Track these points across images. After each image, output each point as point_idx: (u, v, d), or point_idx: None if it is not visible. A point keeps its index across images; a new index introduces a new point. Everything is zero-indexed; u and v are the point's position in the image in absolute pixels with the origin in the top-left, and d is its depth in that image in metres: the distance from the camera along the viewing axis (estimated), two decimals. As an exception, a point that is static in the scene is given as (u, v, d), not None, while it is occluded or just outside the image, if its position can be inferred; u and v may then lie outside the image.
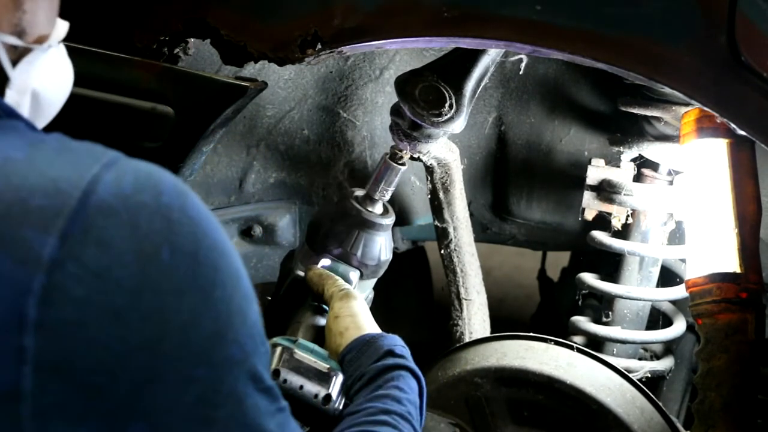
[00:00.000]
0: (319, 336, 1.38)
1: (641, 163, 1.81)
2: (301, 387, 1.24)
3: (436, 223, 1.81)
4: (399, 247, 2.16)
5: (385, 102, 1.89)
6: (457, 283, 1.83)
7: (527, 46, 1.33)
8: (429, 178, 1.78)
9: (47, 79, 1.00)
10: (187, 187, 0.86)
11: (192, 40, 1.53)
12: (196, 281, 0.80)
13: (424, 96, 1.58)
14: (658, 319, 1.93)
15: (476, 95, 1.59)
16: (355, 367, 1.24)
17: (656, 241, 1.81)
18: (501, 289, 3.33)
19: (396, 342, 1.27)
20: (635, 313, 1.85)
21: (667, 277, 1.90)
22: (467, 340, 1.81)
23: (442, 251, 1.83)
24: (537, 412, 1.65)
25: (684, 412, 1.96)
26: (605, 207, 1.81)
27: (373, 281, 1.59)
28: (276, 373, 1.24)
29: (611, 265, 1.88)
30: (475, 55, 1.55)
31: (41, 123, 1.04)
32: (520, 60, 1.71)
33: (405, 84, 1.59)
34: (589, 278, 1.87)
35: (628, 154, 1.80)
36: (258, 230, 1.93)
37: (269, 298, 1.55)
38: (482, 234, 2.07)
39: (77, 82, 1.08)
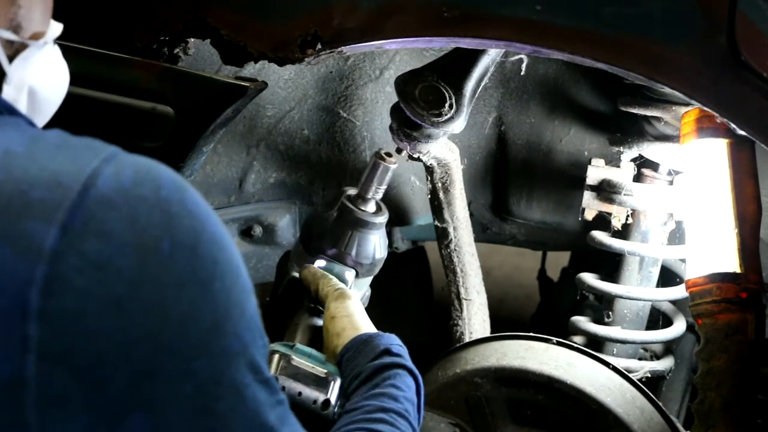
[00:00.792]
0: (317, 337, 1.38)
1: (641, 163, 1.81)
2: (300, 393, 1.24)
3: (436, 223, 1.81)
4: (399, 247, 2.16)
5: (385, 102, 1.89)
6: (457, 283, 1.83)
7: (527, 46, 1.33)
8: (429, 178, 1.78)
9: (43, 77, 1.01)
10: (186, 181, 0.87)
11: (192, 40, 1.53)
12: (195, 274, 0.81)
13: (424, 96, 1.58)
14: (658, 319, 1.93)
15: (476, 95, 1.59)
16: (352, 367, 1.24)
17: (656, 241, 1.81)
18: (501, 289, 3.33)
19: (393, 341, 1.27)
20: (635, 313, 1.85)
21: (667, 277, 1.90)
22: (467, 340, 1.81)
23: (442, 251, 1.83)
24: (537, 412, 1.65)
25: (684, 412, 1.96)
26: (605, 207, 1.80)
27: (369, 279, 1.59)
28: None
29: (611, 265, 1.88)
30: (475, 55, 1.55)
31: (40, 121, 1.05)
32: (520, 60, 1.71)
33: (405, 84, 1.59)
34: (589, 278, 1.87)
35: (628, 154, 1.80)
36: (258, 230, 1.93)
37: (268, 299, 1.55)
38: (482, 234, 2.07)
39: (77, 82, 1.09)
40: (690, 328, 1.90)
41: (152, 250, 0.78)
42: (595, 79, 1.89)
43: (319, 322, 1.41)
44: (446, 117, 1.57)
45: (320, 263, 1.51)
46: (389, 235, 2.12)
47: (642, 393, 1.62)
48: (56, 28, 1.01)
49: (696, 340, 1.79)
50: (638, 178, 1.82)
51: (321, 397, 1.23)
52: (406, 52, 1.88)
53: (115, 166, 0.81)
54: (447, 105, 1.57)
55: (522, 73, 1.84)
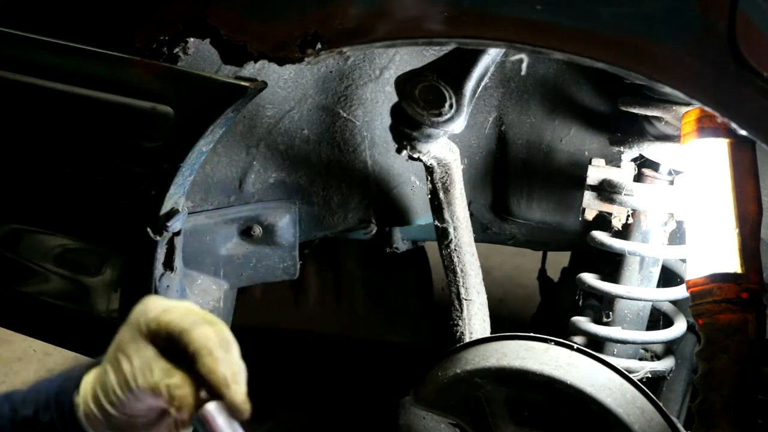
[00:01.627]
0: None
1: (642, 163, 1.81)
2: None
3: (436, 223, 1.81)
4: (399, 247, 2.16)
5: (385, 102, 1.89)
6: (457, 283, 1.83)
7: (527, 46, 1.33)
8: (429, 178, 1.77)
9: None
10: None
11: (191, 39, 1.53)
12: None
13: (424, 96, 1.58)
14: (658, 319, 1.92)
15: (476, 95, 1.59)
16: None
17: (657, 241, 1.81)
18: (501, 289, 3.33)
19: None
20: (636, 313, 1.85)
21: (668, 277, 1.90)
22: (467, 340, 1.80)
23: (442, 251, 1.83)
24: (537, 412, 1.65)
25: (684, 412, 1.96)
26: (606, 207, 1.80)
27: None
28: None
29: (611, 265, 1.88)
30: (475, 55, 1.55)
31: None
32: (521, 60, 1.71)
33: (405, 84, 1.59)
34: (589, 278, 1.86)
35: (629, 154, 1.79)
36: (258, 230, 1.93)
37: None
38: (482, 234, 2.07)
39: (78, 82, 1.09)
40: (690, 328, 1.89)
41: None
42: (595, 79, 1.89)
43: None
44: (446, 117, 1.57)
45: None
46: (389, 235, 2.12)
47: (642, 393, 1.62)
48: None
49: (696, 340, 1.78)
50: (639, 178, 1.81)
51: None
52: (406, 52, 1.88)
53: None
54: (447, 105, 1.57)
55: (522, 73, 1.84)
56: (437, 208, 1.80)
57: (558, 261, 2.61)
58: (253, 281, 2.01)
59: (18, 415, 0.99)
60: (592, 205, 1.82)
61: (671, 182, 1.81)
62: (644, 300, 1.84)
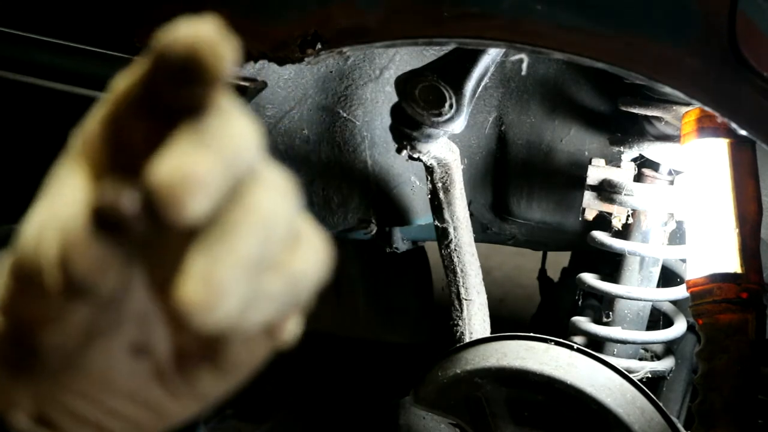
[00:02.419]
0: None
1: (642, 163, 1.81)
2: None
3: (436, 223, 1.81)
4: (399, 247, 2.16)
5: (385, 102, 1.89)
6: (457, 283, 1.83)
7: (527, 45, 1.33)
8: (429, 178, 1.77)
9: None
10: None
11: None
12: None
13: (424, 96, 1.58)
14: (658, 319, 1.92)
15: (476, 95, 1.59)
16: None
17: (657, 241, 1.81)
18: (501, 289, 3.33)
19: None
20: (636, 313, 1.85)
21: (668, 277, 1.90)
22: (467, 340, 1.80)
23: (442, 251, 1.83)
24: (537, 412, 1.65)
25: (684, 412, 1.96)
26: (606, 207, 1.80)
27: None
28: None
29: (611, 265, 1.88)
30: (475, 55, 1.55)
31: None
32: (521, 60, 1.70)
33: (405, 84, 1.59)
34: (589, 278, 1.86)
35: (629, 154, 1.79)
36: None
37: None
38: (482, 234, 2.07)
39: (78, 82, 1.09)
40: (691, 328, 1.89)
41: None
42: (595, 80, 1.89)
43: None
44: (446, 117, 1.57)
45: None
46: (389, 235, 2.12)
47: (642, 393, 1.62)
48: None
49: (696, 340, 1.79)
50: (639, 178, 1.81)
51: None
52: (406, 52, 1.88)
53: None
54: (447, 105, 1.57)
55: (522, 73, 1.84)
56: (437, 208, 1.80)
57: (558, 261, 2.61)
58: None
59: None
60: (592, 205, 1.82)
61: (671, 182, 1.81)
62: (644, 300, 1.84)
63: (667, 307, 1.91)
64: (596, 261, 1.99)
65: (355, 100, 1.90)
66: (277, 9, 1.46)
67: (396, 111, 1.66)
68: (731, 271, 1.43)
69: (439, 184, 1.77)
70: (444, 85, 1.56)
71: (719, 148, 1.46)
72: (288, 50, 1.43)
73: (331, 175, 1.94)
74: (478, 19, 1.33)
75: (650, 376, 1.83)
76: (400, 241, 2.16)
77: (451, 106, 1.56)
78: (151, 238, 0.47)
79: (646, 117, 1.76)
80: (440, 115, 1.56)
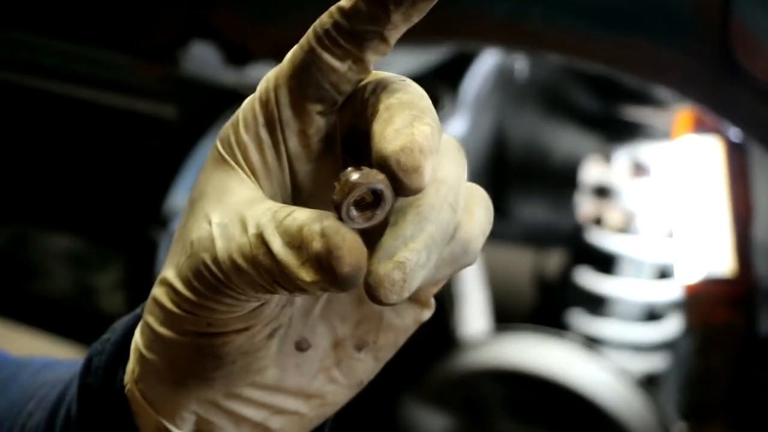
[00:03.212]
0: None
1: (637, 162, 1.82)
2: None
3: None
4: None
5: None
6: (456, 283, 1.84)
7: (526, 47, 1.34)
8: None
9: None
10: None
11: (194, 42, 1.54)
12: None
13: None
14: (655, 318, 1.93)
15: (475, 96, 1.60)
16: None
17: (652, 240, 1.83)
18: (500, 288, 3.33)
19: None
20: (632, 312, 1.86)
21: (664, 276, 1.91)
22: (466, 338, 1.81)
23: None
24: (537, 411, 1.66)
25: (681, 411, 1.97)
26: (602, 206, 1.82)
27: None
28: None
29: (608, 264, 1.89)
30: (474, 56, 1.56)
31: None
32: (519, 61, 1.72)
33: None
34: (587, 278, 1.88)
35: (625, 154, 1.81)
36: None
37: None
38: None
39: (81, 83, 1.10)
40: (686, 327, 1.90)
41: None
42: (592, 81, 1.90)
43: None
44: (445, 117, 1.59)
45: None
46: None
47: (639, 392, 1.63)
48: None
49: (692, 339, 1.80)
50: (634, 178, 1.83)
51: None
52: (405, 52, 1.89)
53: None
54: (446, 105, 1.58)
55: (521, 75, 1.85)
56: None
57: (557, 261, 2.62)
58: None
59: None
60: (588, 205, 1.83)
61: (666, 182, 1.82)
62: (641, 299, 1.86)
63: (663, 306, 1.92)
64: (593, 260, 2.00)
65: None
66: (279, 12, 1.47)
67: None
68: (725, 270, 1.44)
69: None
70: (443, 85, 1.57)
71: (713, 147, 1.47)
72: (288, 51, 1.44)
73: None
74: (475, 20, 1.35)
75: (647, 374, 1.85)
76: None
77: (450, 107, 1.58)
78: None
79: (642, 118, 1.77)
80: (439, 115, 1.58)
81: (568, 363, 1.64)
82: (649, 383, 1.85)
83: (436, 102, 1.58)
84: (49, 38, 1.63)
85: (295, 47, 0.48)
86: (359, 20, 0.46)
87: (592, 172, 1.83)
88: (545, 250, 2.60)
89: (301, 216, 0.44)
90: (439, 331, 2.02)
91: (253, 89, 0.50)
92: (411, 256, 0.43)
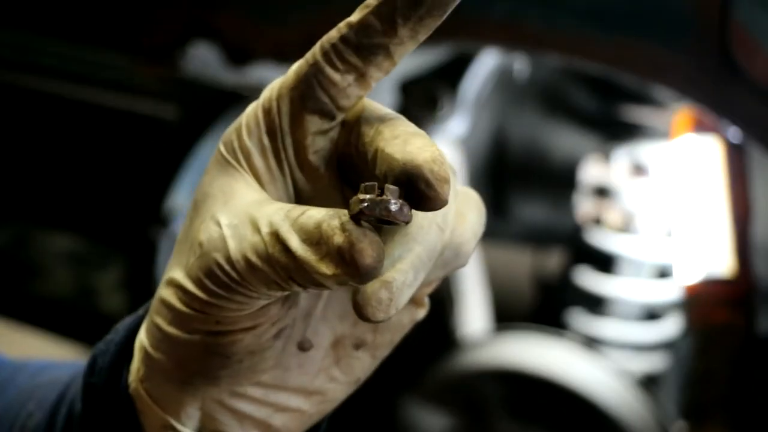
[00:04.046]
0: None
1: (637, 162, 1.83)
2: None
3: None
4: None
5: (384, 102, 1.90)
6: (456, 283, 1.84)
7: (526, 47, 1.34)
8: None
9: None
10: None
11: (195, 42, 1.54)
12: None
13: (423, 96, 1.59)
14: (654, 318, 1.94)
15: (475, 96, 1.60)
16: None
17: (652, 240, 1.83)
18: (500, 288, 3.33)
19: None
20: (632, 312, 1.87)
21: (664, 276, 1.91)
22: (466, 338, 1.82)
23: (442, 251, 1.84)
24: (537, 411, 1.66)
25: (681, 411, 1.97)
26: (602, 206, 1.82)
27: None
28: None
29: (608, 264, 1.89)
30: (474, 57, 1.57)
31: None
32: (519, 62, 1.72)
33: (404, 84, 1.60)
34: (587, 277, 1.88)
35: (624, 154, 1.81)
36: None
37: None
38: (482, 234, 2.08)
39: (82, 83, 1.10)
40: (686, 327, 1.91)
41: None
42: (591, 81, 1.90)
43: None
44: (445, 117, 1.59)
45: None
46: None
47: (639, 392, 1.63)
48: None
49: (692, 339, 1.80)
50: (633, 178, 1.83)
51: None
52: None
53: None
54: (446, 105, 1.58)
55: (520, 75, 1.85)
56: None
57: (557, 261, 2.62)
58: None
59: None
60: (588, 205, 1.83)
61: (666, 182, 1.82)
62: (640, 299, 1.86)
63: (663, 307, 1.92)
64: (593, 260, 2.00)
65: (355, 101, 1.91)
66: (279, 13, 1.47)
67: (395, 111, 1.67)
68: (725, 271, 1.44)
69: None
70: (443, 85, 1.58)
71: (712, 147, 1.48)
72: (290, 53, 1.45)
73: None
74: (475, 20, 1.35)
75: (647, 374, 1.85)
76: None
77: (449, 107, 1.58)
78: None
79: (642, 118, 1.77)
80: (438, 115, 1.58)
81: (567, 363, 1.65)
82: (649, 383, 1.86)
83: (435, 102, 1.58)
84: (49, 39, 1.63)
85: (302, 60, 0.49)
86: (366, 34, 0.48)
87: (591, 172, 1.83)
88: (545, 250, 2.61)
89: (317, 214, 0.45)
90: (439, 331, 2.02)
91: (253, 89, 0.51)
92: (398, 276, 0.45)
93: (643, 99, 1.71)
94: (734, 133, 1.28)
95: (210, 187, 0.50)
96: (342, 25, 0.49)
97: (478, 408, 1.69)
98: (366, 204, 0.43)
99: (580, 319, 1.90)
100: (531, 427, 1.68)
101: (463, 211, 0.52)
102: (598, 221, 1.84)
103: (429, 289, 0.56)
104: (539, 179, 1.99)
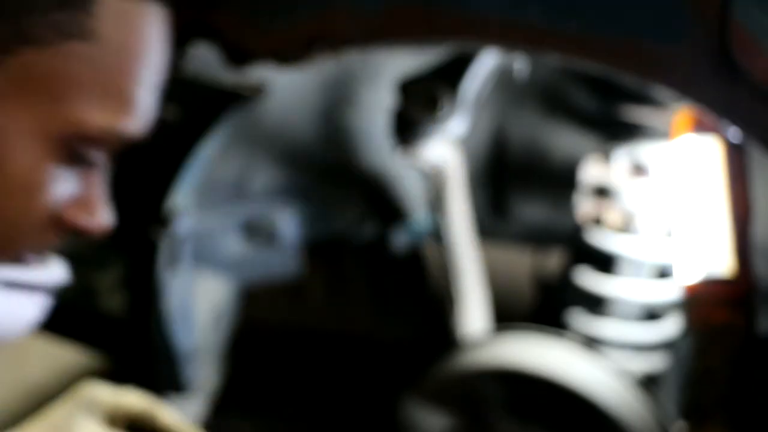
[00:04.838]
0: None
1: (637, 162, 1.83)
2: None
3: (436, 223, 1.82)
4: (399, 247, 2.17)
5: (384, 102, 1.90)
6: (456, 283, 1.84)
7: (525, 48, 1.34)
8: (429, 178, 1.79)
9: None
10: None
11: (193, 42, 1.54)
12: None
13: (423, 96, 1.59)
14: (654, 318, 1.94)
15: (475, 96, 1.60)
16: None
17: (652, 240, 1.83)
18: (500, 288, 3.33)
19: None
20: (632, 312, 1.87)
21: (664, 276, 1.91)
22: (466, 338, 1.82)
23: (442, 251, 1.84)
24: (537, 411, 1.66)
25: (681, 411, 1.97)
26: (602, 206, 1.82)
27: None
28: None
29: (608, 264, 1.89)
30: (474, 57, 1.57)
31: None
32: (519, 61, 1.72)
33: (404, 84, 1.60)
34: (587, 277, 1.88)
35: (624, 154, 1.81)
36: (260, 230, 1.94)
37: None
38: (482, 234, 2.09)
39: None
40: (686, 327, 1.91)
41: None
42: (591, 80, 1.91)
43: None
44: (445, 117, 1.59)
45: None
46: (389, 235, 2.14)
47: (639, 392, 1.63)
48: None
49: (692, 339, 1.80)
50: (634, 177, 1.83)
51: None
52: (405, 52, 1.89)
53: None
54: (446, 105, 1.58)
55: (520, 74, 1.85)
56: (437, 207, 1.81)
57: (557, 261, 2.62)
58: (256, 281, 2.03)
59: None
60: (588, 205, 1.83)
61: (666, 182, 1.82)
62: (640, 299, 1.86)
63: (663, 306, 1.92)
64: (593, 260, 2.00)
65: (354, 101, 1.91)
66: (279, 12, 1.47)
67: (395, 111, 1.67)
68: (724, 270, 1.44)
69: (439, 184, 1.79)
70: (443, 85, 1.58)
71: (712, 147, 1.48)
72: (290, 52, 1.45)
73: (332, 175, 1.96)
74: (476, 22, 1.35)
75: (647, 374, 1.85)
76: (400, 241, 2.17)
77: (450, 107, 1.58)
78: None
79: (641, 117, 1.77)
80: (439, 115, 1.58)
81: (567, 363, 1.65)
82: (648, 383, 1.86)
83: (435, 102, 1.58)
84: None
85: None
86: None
87: (591, 172, 1.83)
88: (545, 250, 2.61)
89: None
90: (438, 331, 2.02)
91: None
92: None
93: (643, 99, 1.71)
94: (734, 133, 1.28)
95: None
96: None
97: (478, 408, 1.69)
98: None
99: (580, 319, 1.90)
100: (531, 427, 1.68)
101: None
102: (598, 221, 1.84)
103: None
104: (539, 179, 1.99)
